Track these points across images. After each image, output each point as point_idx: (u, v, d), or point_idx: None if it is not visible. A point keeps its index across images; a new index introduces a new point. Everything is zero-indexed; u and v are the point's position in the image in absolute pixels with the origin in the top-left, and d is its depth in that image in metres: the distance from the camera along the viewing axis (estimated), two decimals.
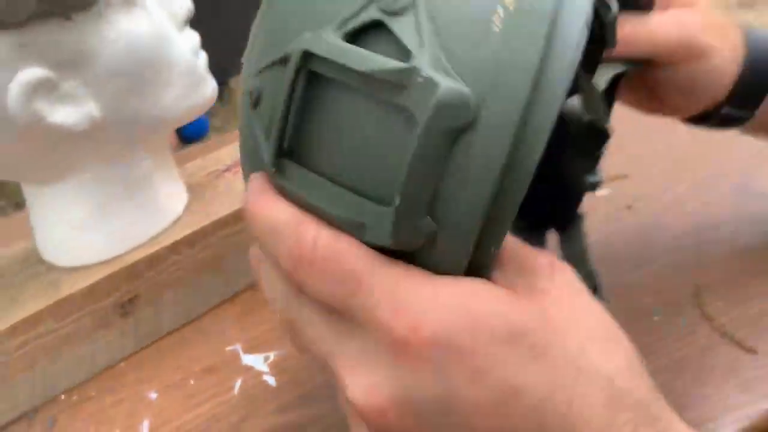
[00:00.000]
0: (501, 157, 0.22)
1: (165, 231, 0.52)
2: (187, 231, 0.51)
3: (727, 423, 0.37)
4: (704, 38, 0.41)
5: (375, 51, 0.23)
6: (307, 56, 0.23)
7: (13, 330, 0.45)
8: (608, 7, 0.32)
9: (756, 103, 0.44)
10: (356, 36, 0.23)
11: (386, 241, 0.23)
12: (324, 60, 0.23)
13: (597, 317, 0.25)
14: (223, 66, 0.53)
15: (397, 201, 0.22)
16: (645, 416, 0.23)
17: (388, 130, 0.23)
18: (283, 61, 0.24)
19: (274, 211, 0.25)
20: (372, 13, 0.23)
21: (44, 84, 0.41)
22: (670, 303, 0.46)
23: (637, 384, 0.24)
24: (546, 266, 0.25)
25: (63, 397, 0.48)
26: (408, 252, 0.24)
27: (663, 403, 0.24)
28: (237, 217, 0.53)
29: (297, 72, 0.23)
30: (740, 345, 0.42)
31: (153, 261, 0.50)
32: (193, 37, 0.50)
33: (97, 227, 0.49)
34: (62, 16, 0.40)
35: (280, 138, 0.24)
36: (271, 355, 0.48)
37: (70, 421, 0.46)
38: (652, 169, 0.59)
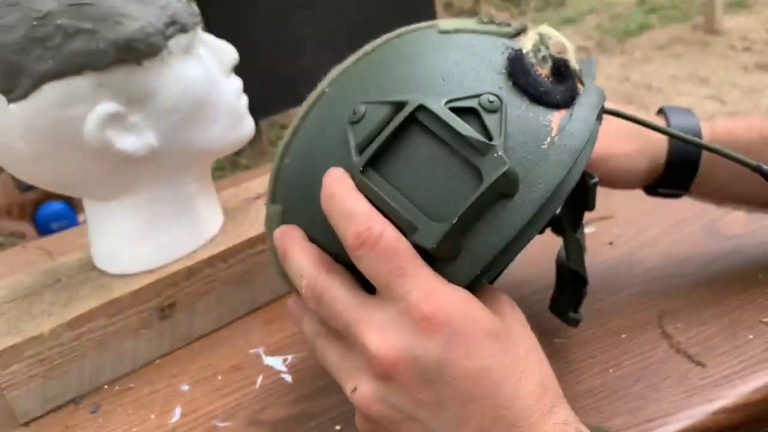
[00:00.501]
0: (520, 224, 0.32)
1: (202, 247, 0.57)
2: (222, 248, 0.57)
3: (675, 421, 0.43)
4: (610, 144, 0.50)
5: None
6: (420, 108, 0.33)
7: (70, 324, 0.51)
8: (591, 176, 0.44)
9: (686, 186, 0.52)
10: (454, 111, 0.33)
11: (430, 245, 0.32)
12: (433, 116, 0.33)
13: (533, 340, 0.35)
14: (252, 109, 0.60)
15: (454, 221, 0.32)
16: (556, 398, 0.34)
17: (457, 176, 0.33)
18: (397, 105, 0.34)
19: (354, 200, 0.33)
20: (472, 103, 0.34)
21: (115, 117, 0.48)
22: (637, 324, 0.52)
23: (551, 381, 0.34)
24: (507, 302, 0.36)
25: (106, 386, 0.54)
26: (433, 258, 0.33)
27: (561, 393, 0.34)
28: (264, 238, 0.60)
29: (408, 116, 0.33)
30: (691, 359, 0.47)
31: (190, 273, 0.56)
32: (237, 82, 0.57)
33: (145, 240, 0.55)
34: (134, 62, 0.48)
35: (375, 153, 0.34)
36: (289, 358, 0.54)
37: (112, 407, 0.52)
38: (634, 212, 0.65)
